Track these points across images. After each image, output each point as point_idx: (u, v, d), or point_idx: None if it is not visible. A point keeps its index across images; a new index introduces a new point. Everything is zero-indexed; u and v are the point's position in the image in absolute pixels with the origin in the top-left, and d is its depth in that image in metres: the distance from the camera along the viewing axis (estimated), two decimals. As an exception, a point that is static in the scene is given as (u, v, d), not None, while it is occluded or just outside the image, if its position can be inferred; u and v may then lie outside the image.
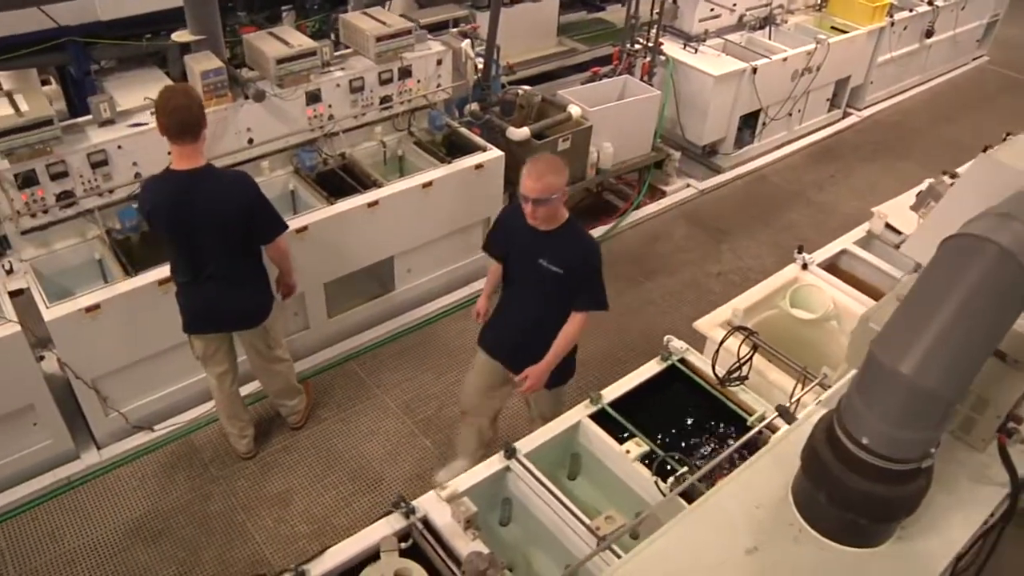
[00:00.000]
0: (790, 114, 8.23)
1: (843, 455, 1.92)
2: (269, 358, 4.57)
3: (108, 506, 4.56)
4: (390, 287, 5.66)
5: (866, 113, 9.26)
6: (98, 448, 4.80)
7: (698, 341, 4.14)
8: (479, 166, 5.56)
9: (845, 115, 9.11)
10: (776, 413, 3.05)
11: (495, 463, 3.27)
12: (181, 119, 3.76)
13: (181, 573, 4.24)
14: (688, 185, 7.60)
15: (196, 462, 4.82)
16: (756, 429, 3.22)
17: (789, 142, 8.49)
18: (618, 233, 6.95)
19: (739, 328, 3.73)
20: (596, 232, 6.83)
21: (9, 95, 4.35)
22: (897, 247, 4.60)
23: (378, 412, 5.17)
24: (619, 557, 2.84)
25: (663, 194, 7.43)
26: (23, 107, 4.29)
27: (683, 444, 3.67)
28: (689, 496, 2.97)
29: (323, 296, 5.27)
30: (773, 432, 2.98)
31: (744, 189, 7.81)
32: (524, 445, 3.34)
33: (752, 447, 2.78)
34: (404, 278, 5.67)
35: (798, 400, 3.29)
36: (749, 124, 7.95)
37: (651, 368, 3.87)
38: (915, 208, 4.37)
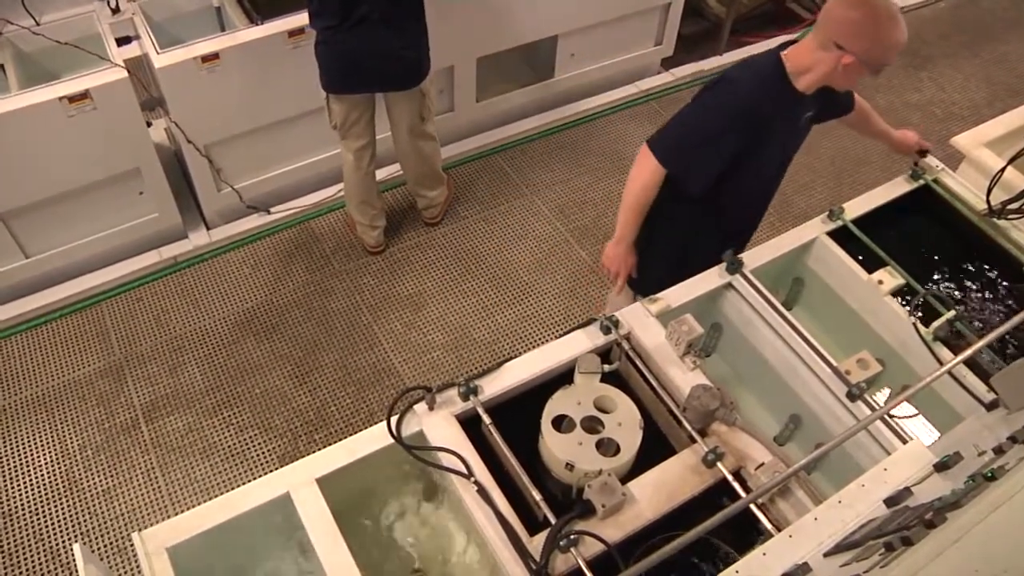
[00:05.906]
0: (1016, -78, 6.82)
1: None
2: (418, 132, 3.85)
3: (217, 293, 4.06)
4: (547, 74, 4.82)
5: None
6: (208, 228, 4.28)
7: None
8: (669, -67, 4.56)
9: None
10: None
11: (714, 277, 2.54)
12: None
13: (297, 374, 3.74)
14: None
15: (316, 253, 4.24)
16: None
17: (1009, -41, 7.11)
18: (802, 46, 5.92)
19: (1039, 141, 2.83)
20: (776, 42, 5.79)
21: None
22: None
23: (526, 214, 4.49)
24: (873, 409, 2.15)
25: (856, 7, 6.31)
26: None
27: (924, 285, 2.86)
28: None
29: (475, 73, 4.47)
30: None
31: (950, 12, 6.57)
32: (750, 260, 2.59)
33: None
34: (566, 64, 4.80)
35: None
36: (965, -69, 6.63)
37: (898, 186, 3.03)
38: None
